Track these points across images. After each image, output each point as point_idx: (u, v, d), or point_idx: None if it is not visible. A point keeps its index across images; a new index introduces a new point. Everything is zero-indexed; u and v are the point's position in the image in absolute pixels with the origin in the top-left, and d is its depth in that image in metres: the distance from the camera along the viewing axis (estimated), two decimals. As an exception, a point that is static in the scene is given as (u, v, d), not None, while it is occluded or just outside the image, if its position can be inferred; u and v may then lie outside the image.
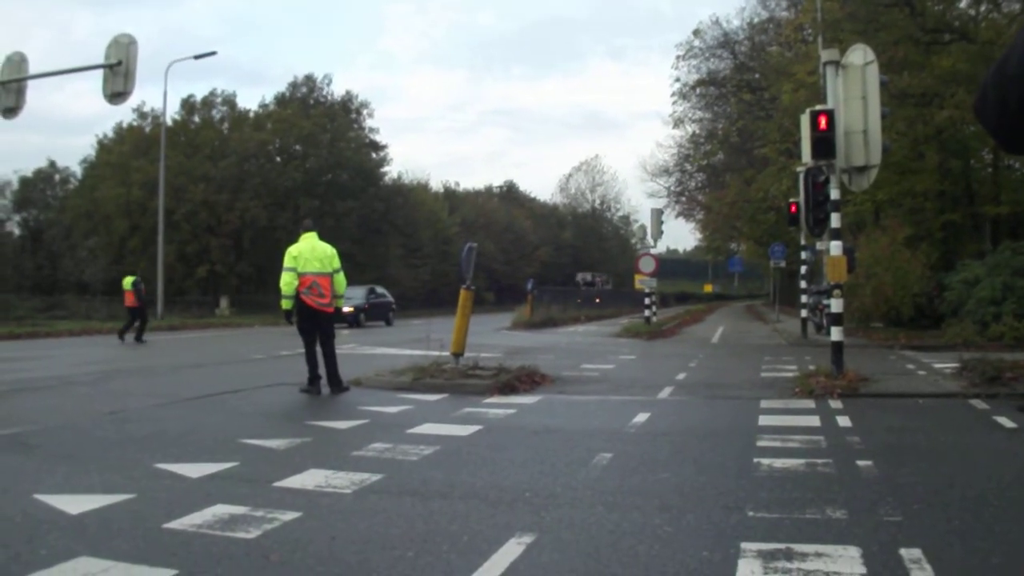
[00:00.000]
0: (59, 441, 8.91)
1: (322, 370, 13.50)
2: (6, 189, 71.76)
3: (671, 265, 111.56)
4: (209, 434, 9.37)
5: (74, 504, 6.02)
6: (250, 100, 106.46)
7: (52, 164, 73.92)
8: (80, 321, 39.99)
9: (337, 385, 13.52)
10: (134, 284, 27.92)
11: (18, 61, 27.98)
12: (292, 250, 13.54)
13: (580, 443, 8.81)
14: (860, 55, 13.78)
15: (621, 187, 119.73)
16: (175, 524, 5.57)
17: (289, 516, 5.78)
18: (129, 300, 28.07)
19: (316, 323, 13.73)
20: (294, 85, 71.06)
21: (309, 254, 13.50)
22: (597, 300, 69.18)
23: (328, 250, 13.77)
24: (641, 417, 10.53)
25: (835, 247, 14.23)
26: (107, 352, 23.26)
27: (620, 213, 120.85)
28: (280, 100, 70.16)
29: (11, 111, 28.28)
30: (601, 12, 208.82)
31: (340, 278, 13.81)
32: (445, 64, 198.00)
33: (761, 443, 8.65)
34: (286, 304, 13.65)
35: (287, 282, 13.34)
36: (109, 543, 5.22)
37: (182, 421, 10.35)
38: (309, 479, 6.96)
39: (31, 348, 25.07)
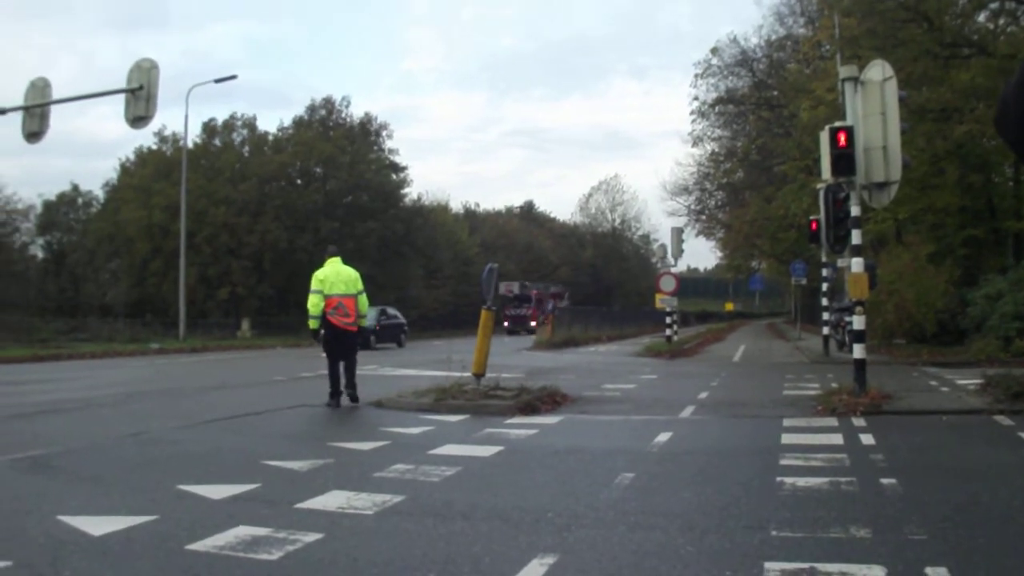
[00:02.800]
0: (82, 463, 8.94)
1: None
2: (30, 212, 72.12)
3: (692, 284, 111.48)
4: (231, 456, 9.40)
5: (97, 526, 6.03)
6: (271, 123, 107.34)
7: (75, 188, 74.34)
8: (102, 343, 40.13)
9: (353, 389, 14.65)
10: None
11: (42, 86, 28.18)
12: (319, 274, 14.66)
13: (602, 463, 8.79)
14: (879, 71, 13.74)
15: (641, 206, 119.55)
16: (197, 546, 5.57)
17: (311, 538, 5.77)
18: None
19: (340, 341, 14.72)
20: (312, 108, 71.29)
21: (335, 277, 14.60)
22: (533, 323, 63.49)
23: (352, 273, 14.87)
24: (663, 437, 10.50)
25: (856, 264, 14.17)
26: (129, 374, 23.34)
27: (640, 232, 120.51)
28: (299, 123, 70.38)
29: (35, 135, 28.48)
30: (622, 32, 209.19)
31: (363, 299, 14.95)
32: (466, 85, 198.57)
33: (784, 462, 8.60)
34: (313, 324, 14.77)
35: (314, 303, 14.50)
36: (132, 565, 5.24)
37: (204, 443, 10.38)
38: (331, 500, 6.95)
39: (54, 370, 25.17)
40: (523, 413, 12.90)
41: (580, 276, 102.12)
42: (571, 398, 14.80)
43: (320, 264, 15.04)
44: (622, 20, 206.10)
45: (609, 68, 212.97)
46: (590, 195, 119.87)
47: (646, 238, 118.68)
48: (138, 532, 5.94)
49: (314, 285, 14.59)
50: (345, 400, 14.49)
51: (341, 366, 14.71)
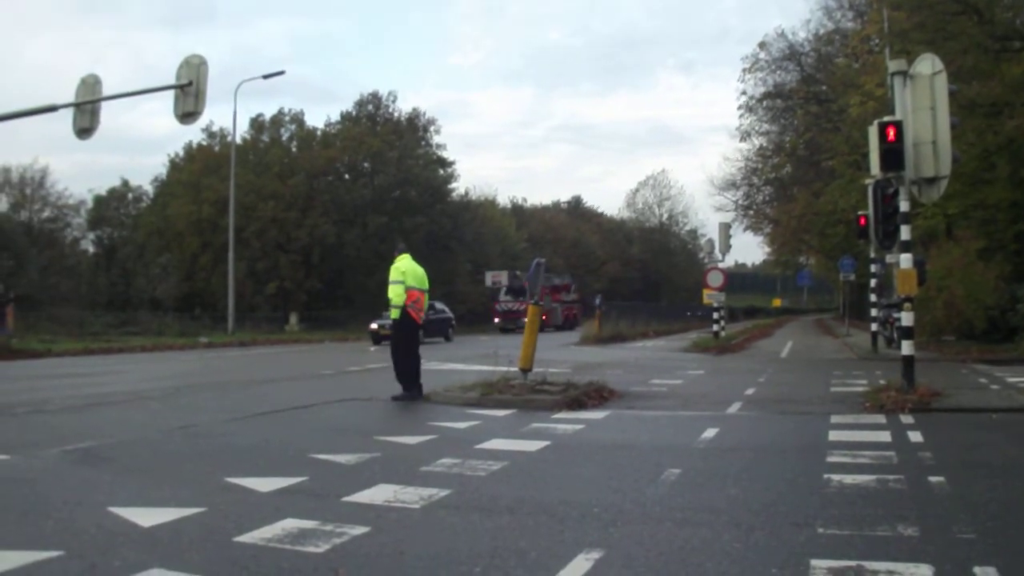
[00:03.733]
0: (132, 455, 9.04)
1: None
2: (81, 208, 72.99)
3: (739, 279, 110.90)
4: (279, 449, 9.46)
5: (147, 517, 6.09)
6: (319, 118, 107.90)
7: (125, 183, 75.18)
8: (152, 337, 40.57)
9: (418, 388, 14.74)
10: None
11: (92, 83, 28.46)
12: (400, 266, 14.84)
13: (649, 459, 8.77)
14: (928, 65, 13.60)
15: (689, 201, 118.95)
16: (245, 538, 5.62)
17: (358, 531, 5.80)
18: None
19: (413, 334, 15.02)
20: (360, 103, 71.60)
21: (412, 272, 14.91)
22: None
23: (422, 270, 15.29)
24: (710, 432, 10.46)
25: (905, 260, 14.04)
26: (179, 367, 23.56)
27: (688, 227, 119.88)
28: (347, 118, 70.70)
29: (86, 131, 28.77)
30: (670, 26, 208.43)
31: (427, 295, 15.43)
32: (514, 80, 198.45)
33: (831, 459, 8.54)
34: (395, 314, 14.85)
35: (399, 293, 14.67)
36: (181, 556, 5.28)
37: (252, 436, 10.45)
38: (378, 494, 6.98)
39: (105, 363, 25.43)
40: (570, 408, 12.88)
41: (628, 271, 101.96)
42: (618, 393, 14.75)
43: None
44: (670, 14, 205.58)
45: (657, 63, 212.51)
46: (637, 190, 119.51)
47: (693, 233, 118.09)
48: (187, 524, 5.99)
49: (396, 276, 14.79)
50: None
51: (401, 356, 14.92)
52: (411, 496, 6.90)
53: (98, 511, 6.34)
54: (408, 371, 14.68)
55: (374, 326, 38.15)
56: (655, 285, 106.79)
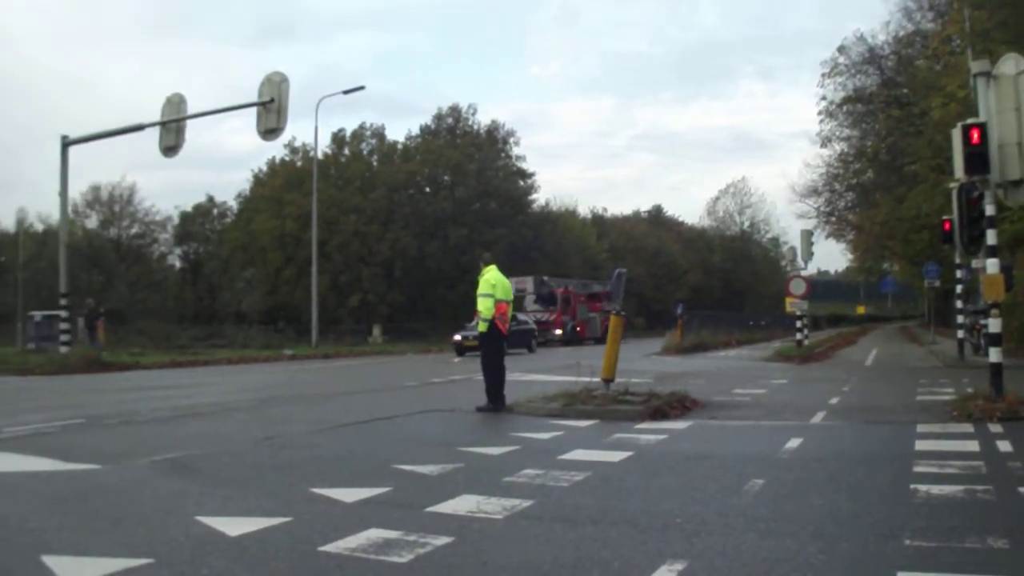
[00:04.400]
0: (219, 465, 9.17)
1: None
2: (167, 224, 74.38)
3: (822, 287, 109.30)
4: (363, 459, 9.53)
5: (234, 526, 6.17)
6: (399, 132, 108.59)
7: (210, 199, 76.51)
8: (238, 349, 41.12)
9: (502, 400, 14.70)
10: None
11: (177, 102, 29.04)
12: (490, 279, 14.99)
13: (732, 469, 8.70)
14: (1012, 65, 13.32)
15: (770, 209, 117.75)
16: (330, 547, 5.66)
17: (441, 541, 5.81)
18: None
19: (499, 346, 15.14)
20: (439, 116, 72.01)
21: (501, 283, 15.09)
22: (558, 331, 53.68)
23: (508, 281, 15.49)
24: (794, 442, 10.35)
25: (992, 265, 13.79)
26: (264, 379, 23.83)
27: (769, 235, 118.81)
28: (426, 131, 71.15)
29: (171, 149, 29.39)
30: (749, 32, 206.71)
31: (511, 306, 15.63)
32: (593, 90, 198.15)
33: (918, 469, 8.41)
34: (483, 327, 14.99)
35: (488, 307, 14.80)
36: (267, 565, 5.35)
37: (337, 447, 10.54)
38: (461, 504, 7.00)
39: (192, 376, 25.81)
40: (652, 418, 12.82)
41: (709, 280, 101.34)
42: (701, 403, 14.66)
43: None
44: (749, 20, 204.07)
45: (736, 69, 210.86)
46: (718, 198, 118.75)
47: (775, 241, 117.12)
48: (273, 533, 6.06)
49: (486, 289, 14.90)
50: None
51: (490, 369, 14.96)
52: (494, 506, 6.90)
53: (186, 520, 6.44)
54: (494, 382, 14.71)
55: (458, 337, 38.26)
56: (737, 294, 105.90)
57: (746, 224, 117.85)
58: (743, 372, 24.81)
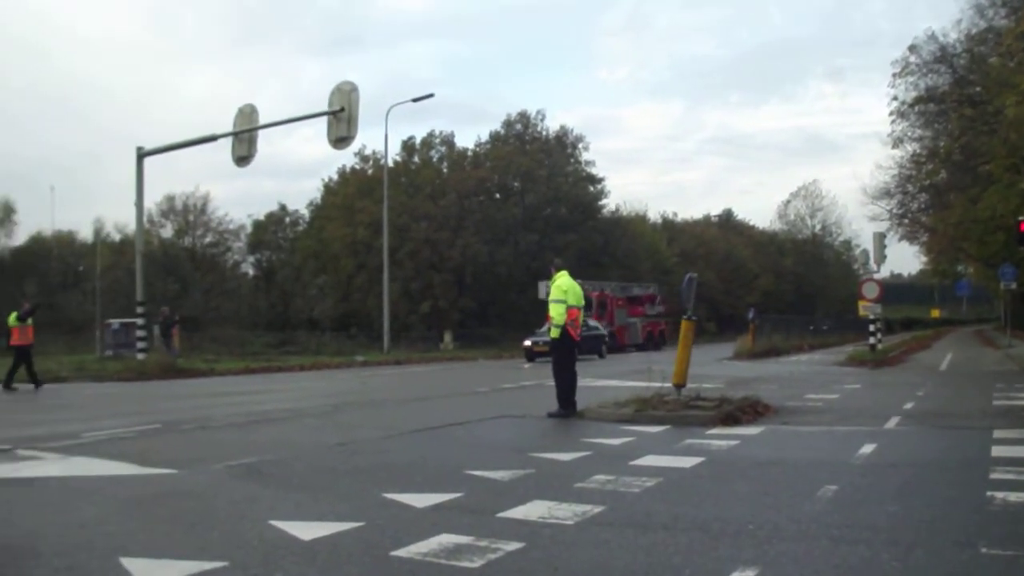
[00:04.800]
0: (292, 470, 9.25)
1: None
2: (241, 232, 75.25)
3: (895, 290, 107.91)
4: (434, 465, 9.56)
5: (306, 531, 6.23)
6: (468, 138, 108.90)
7: (282, 207, 77.28)
8: (310, 356, 41.37)
9: (573, 405, 14.67)
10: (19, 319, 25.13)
11: (248, 112, 29.43)
12: (561, 284, 15.00)
13: (804, 475, 8.63)
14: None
15: (841, 211, 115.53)
16: (402, 552, 5.68)
17: (512, 546, 5.81)
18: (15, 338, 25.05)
19: (571, 351, 15.13)
20: (508, 122, 72.06)
21: (572, 289, 15.00)
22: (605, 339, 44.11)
23: (579, 287, 15.37)
24: (867, 448, 10.24)
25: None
26: (336, 386, 24.00)
27: (841, 238, 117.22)
28: (496, 137, 71.25)
29: (244, 159, 29.78)
30: (818, 33, 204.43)
31: (583, 311, 15.48)
32: (662, 94, 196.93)
33: (994, 475, 8.26)
34: (555, 332, 14.99)
35: (560, 313, 14.79)
36: (339, 569, 5.39)
37: (408, 452, 10.59)
38: (532, 510, 6.99)
39: (265, 382, 26.07)
40: (724, 424, 12.74)
41: (781, 284, 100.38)
42: (773, 408, 14.56)
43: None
44: (818, 21, 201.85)
45: (806, 70, 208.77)
46: (789, 201, 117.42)
47: (847, 244, 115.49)
48: (345, 538, 6.10)
49: (557, 295, 14.95)
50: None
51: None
52: (565, 512, 6.89)
53: (260, 524, 6.51)
54: (566, 388, 14.71)
55: (528, 343, 38.21)
56: (809, 298, 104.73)
57: (817, 227, 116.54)
58: (816, 377, 24.61)
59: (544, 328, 35.40)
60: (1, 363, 25.06)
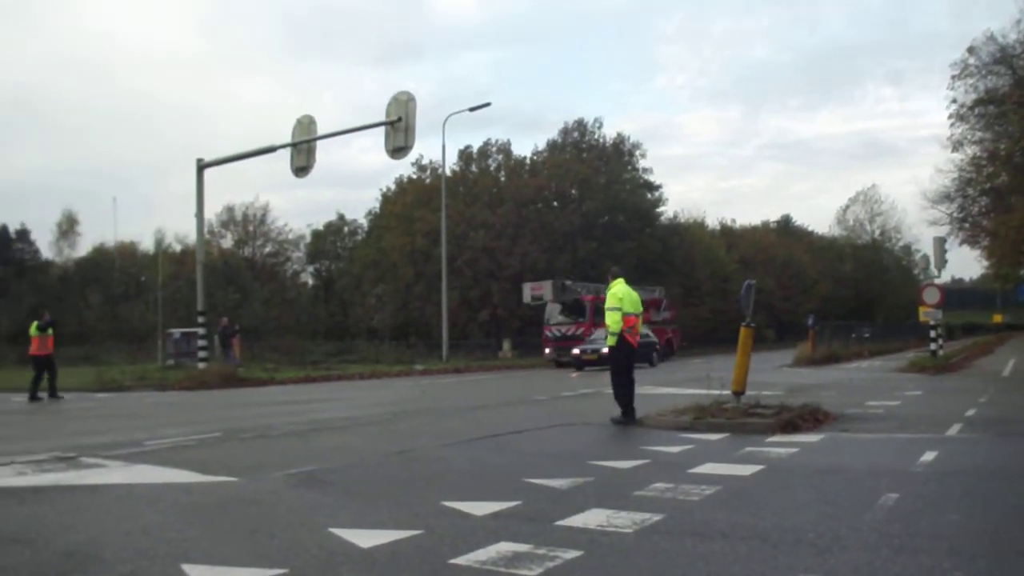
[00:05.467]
0: (351, 478, 9.30)
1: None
2: (300, 242, 75.98)
3: (957, 295, 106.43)
4: (493, 473, 9.58)
5: (365, 538, 6.26)
6: (525, 147, 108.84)
7: (341, 217, 78.16)
8: (369, 364, 41.64)
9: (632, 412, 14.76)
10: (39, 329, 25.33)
11: (307, 123, 29.73)
12: (617, 292, 15.10)
13: (865, 483, 8.54)
14: None
15: (901, 216, 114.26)
16: (460, 560, 5.70)
17: (571, 555, 5.80)
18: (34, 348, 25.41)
19: (630, 358, 15.30)
20: (565, 130, 72.05)
21: (628, 297, 15.12)
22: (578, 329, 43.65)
23: (636, 294, 15.49)
24: (929, 456, 10.14)
25: None
26: (395, 394, 24.10)
27: (901, 243, 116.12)
28: (553, 146, 71.27)
29: (303, 170, 30.09)
30: (877, 36, 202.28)
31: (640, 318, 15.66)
32: (720, 100, 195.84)
33: (1061, 483, 8.16)
34: (611, 340, 15.18)
35: (616, 320, 14.93)
36: (398, 577, 5.41)
37: (467, 460, 10.62)
38: (591, 518, 6.98)
39: (325, 390, 26.24)
40: (784, 431, 12.66)
41: (840, 291, 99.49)
42: (833, 416, 14.44)
43: (608, 286, 15.47)
44: (876, 23, 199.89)
45: (865, 74, 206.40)
46: (847, 206, 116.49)
47: (907, 249, 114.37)
48: (404, 545, 6.12)
49: (613, 303, 15.04)
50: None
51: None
52: (624, 520, 6.87)
53: (320, 532, 6.55)
54: (625, 395, 14.76)
55: (576, 351, 37.61)
56: (869, 304, 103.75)
57: (877, 232, 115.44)
58: (876, 384, 24.39)
59: (594, 335, 35.14)
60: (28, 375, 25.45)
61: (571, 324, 45.06)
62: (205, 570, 5.52)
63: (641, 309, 15.53)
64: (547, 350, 45.50)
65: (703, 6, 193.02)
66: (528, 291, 48.33)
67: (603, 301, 34.42)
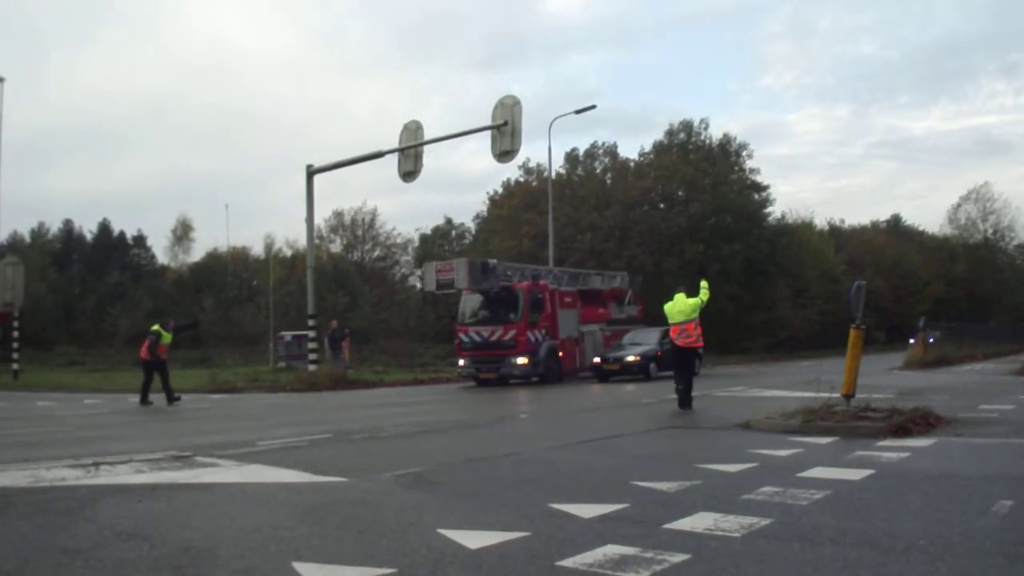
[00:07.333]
0: (459, 480, 9.38)
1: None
2: (408, 246, 76.68)
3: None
4: (601, 475, 9.58)
5: (473, 539, 6.31)
6: (631, 149, 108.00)
7: (448, 221, 78.64)
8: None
9: (688, 404, 17.71)
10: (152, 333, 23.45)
11: (414, 129, 30.01)
12: (672, 304, 18.26)
13: (978, 489, 8.36)
14: None
15: (1015, 214, 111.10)
16: (567, 562, 5.71)
17: (678, 558, 5.78)
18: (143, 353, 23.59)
19: (681, 358, 18.34)
20: (671, 132, 71.72)
21: (671, 309, 18.21)
22: (521, 360, 30.65)
23: (690, 303, 18.10)
24: (1047, 461, 9.91)
25: None
26: (504, 397, 24.20)
27: (1015, 242, 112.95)
28: (659, 147, 70.99)
29: (410, 175, 30.37)
30: (990, 28, 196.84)
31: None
32: (828, 98, 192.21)
33: None
34: (676, 343, 18.33)
35: (673, 329, 18.33)
36: (505, 578, 5.45)
37: (575, 463, 10.63)
38: (698, 522, 6.94)
39: (433, 393, 26.52)
40: (894, 435, 12.45)
41: (952, 291, 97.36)
42: (945, 420, 14.13)
43: (694, 289, 18.11)
44: (988, 15, 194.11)
45: (978, 68, 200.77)
46: (959, 205, 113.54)
47: (1022, 248, 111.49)
48: (511, 547, 6.16)
49: (671, 313, 18.22)
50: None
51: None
52: (731, 524, 6.83)
53: (428, 532, 6.62)
54: (684, 389, 17.78)
55: (596, 359, 32.68)
56: (982, 304, 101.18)
57: (990, 231, 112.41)
58: (990, 387, 23.88)
59: (618, 343, 34.36)
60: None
61: (496, 326, 31.75)
62: (315, 568, 5.62)
63: (691, 316, 18.01)
64: (460, 361, 32.60)
65: (808, 2, 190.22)
66: (432, 274, 32.34)
67: (545, 291, 31.63)
